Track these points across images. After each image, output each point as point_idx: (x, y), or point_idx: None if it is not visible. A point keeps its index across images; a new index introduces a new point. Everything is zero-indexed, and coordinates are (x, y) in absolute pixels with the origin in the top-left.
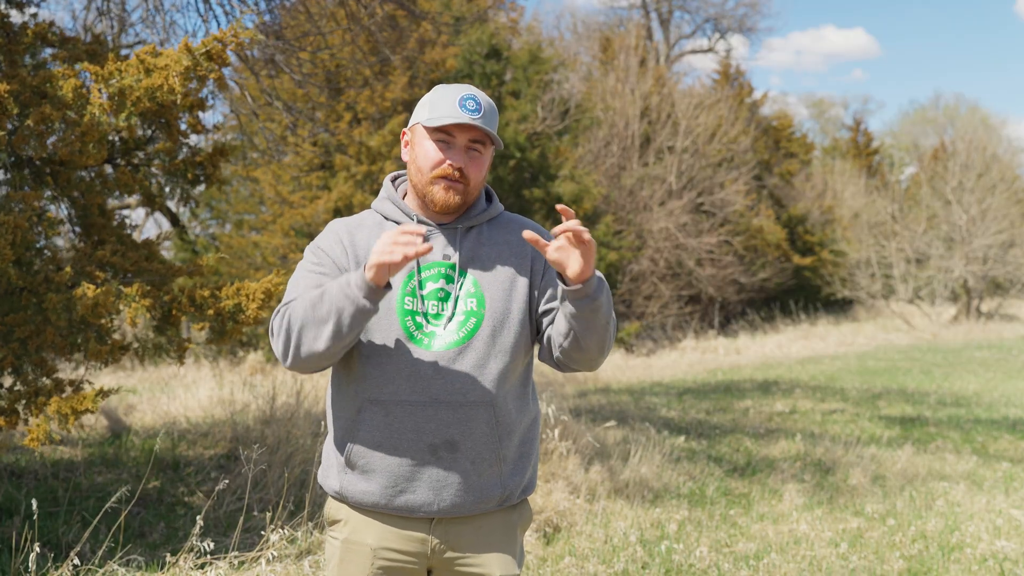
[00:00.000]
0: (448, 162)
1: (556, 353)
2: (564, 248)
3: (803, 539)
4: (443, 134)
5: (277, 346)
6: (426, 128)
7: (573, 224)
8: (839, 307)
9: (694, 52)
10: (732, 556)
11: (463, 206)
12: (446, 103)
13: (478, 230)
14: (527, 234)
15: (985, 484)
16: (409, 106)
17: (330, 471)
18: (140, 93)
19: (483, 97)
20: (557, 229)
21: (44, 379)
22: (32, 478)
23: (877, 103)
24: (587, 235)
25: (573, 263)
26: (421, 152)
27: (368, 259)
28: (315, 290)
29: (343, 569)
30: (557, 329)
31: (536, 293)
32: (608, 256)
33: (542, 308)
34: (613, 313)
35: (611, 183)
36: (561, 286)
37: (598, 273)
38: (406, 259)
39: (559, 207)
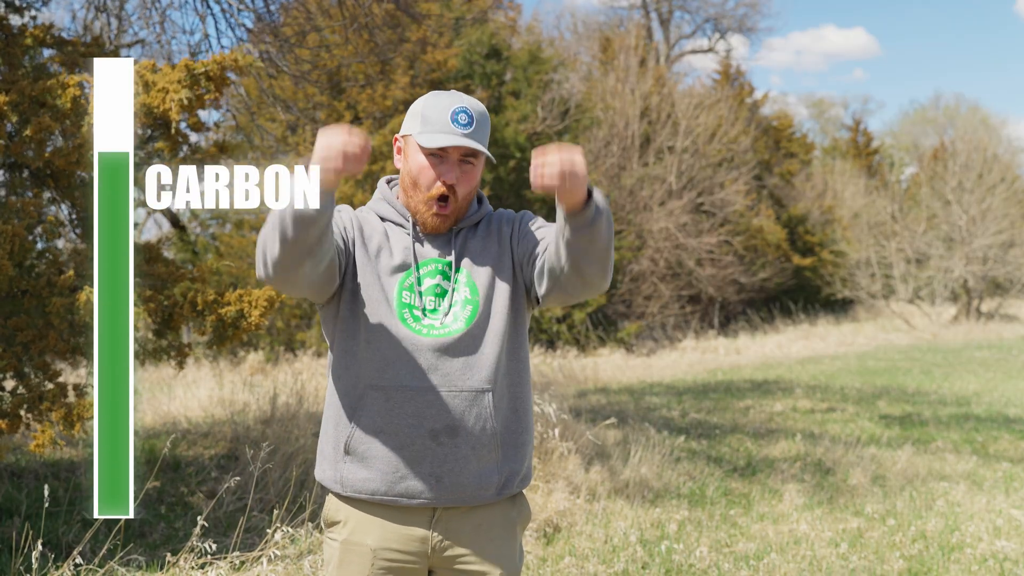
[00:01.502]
0: (441, 180)
1: (548, 283)
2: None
3: (803, 539)
4: (435, 150)
5: (259, 267)
6: (418, 143)
7: (548, 166)
8: (839, 307)
9: (694, 52)
10: (732, 556)
11: (453, 223)
12: (438, 117)
13: (467, 230)
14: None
15: (985, 484)
16: (409, 106)
17: (326, 463)
18: (136, 108)
19: (474, 106)
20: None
21: (47, 383)
22: (32, 478)
23: (877, 103)
24: (559, 167)
25: (563, 196)
26: (415, 166)
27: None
28: None
29: (343, 571)
30: (556, 254)
31: (516, 259)
32: None
33: (526, 261)
34: (611, 221)
35: (611, 183)
36: (560, 213)
37: (598, 195)
38: (343, 166)
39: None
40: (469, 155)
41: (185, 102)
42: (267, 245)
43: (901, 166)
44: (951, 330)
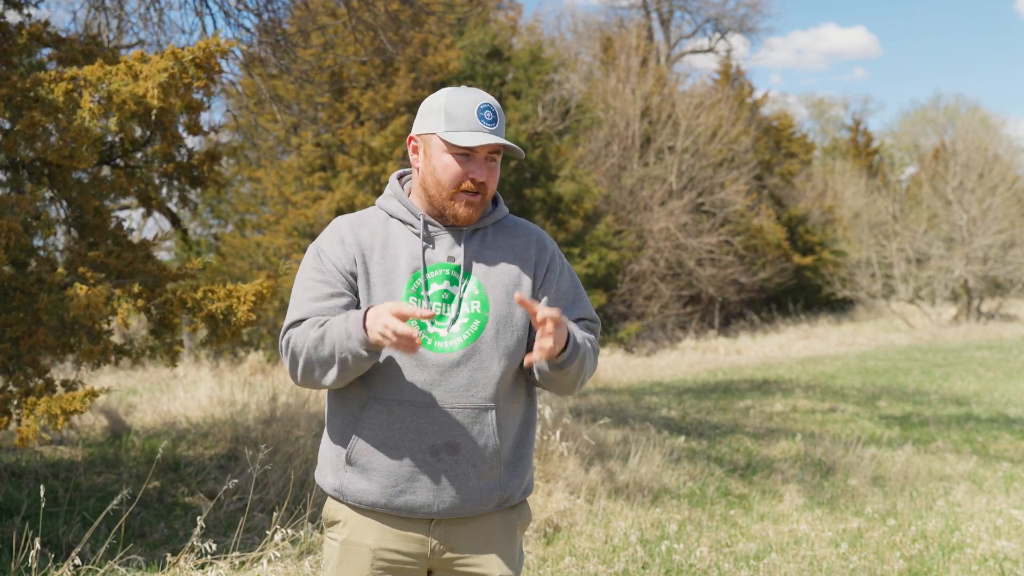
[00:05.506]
0: (471, 177)
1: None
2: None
3: (803, 539)
4: (464, 149)
5: (285, 365)
6: (445, 141)
7: (552, 313)
8: (839, 307)
9: (695, 52)
10: (732, 556)
11: (480, 215)
12: (464, 114)
13: (483, 233)
14: (518, 297)
15: (985, 484)
16: (412, 107)
17: (328, 469)
18: (126, 97)
19: (495, 103)
20: (539, 318)
21: (36, 379)
22: (32, 478)
23: (877, 103)
24: (554, 324)
25: (549, 346)
26: (440, 165)
27: (373, 323)
28: (316, 329)
29: (342, 570)
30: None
31: (536, 295)
32: (608, 256)
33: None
34: (588, 361)
35: (611, 183)
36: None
37: (577, 340)
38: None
39: (517, 297)
40: (493, 152)
41: (164, 80)
42: (311, 375)
43: (901, 166)
44: (951, 330)
